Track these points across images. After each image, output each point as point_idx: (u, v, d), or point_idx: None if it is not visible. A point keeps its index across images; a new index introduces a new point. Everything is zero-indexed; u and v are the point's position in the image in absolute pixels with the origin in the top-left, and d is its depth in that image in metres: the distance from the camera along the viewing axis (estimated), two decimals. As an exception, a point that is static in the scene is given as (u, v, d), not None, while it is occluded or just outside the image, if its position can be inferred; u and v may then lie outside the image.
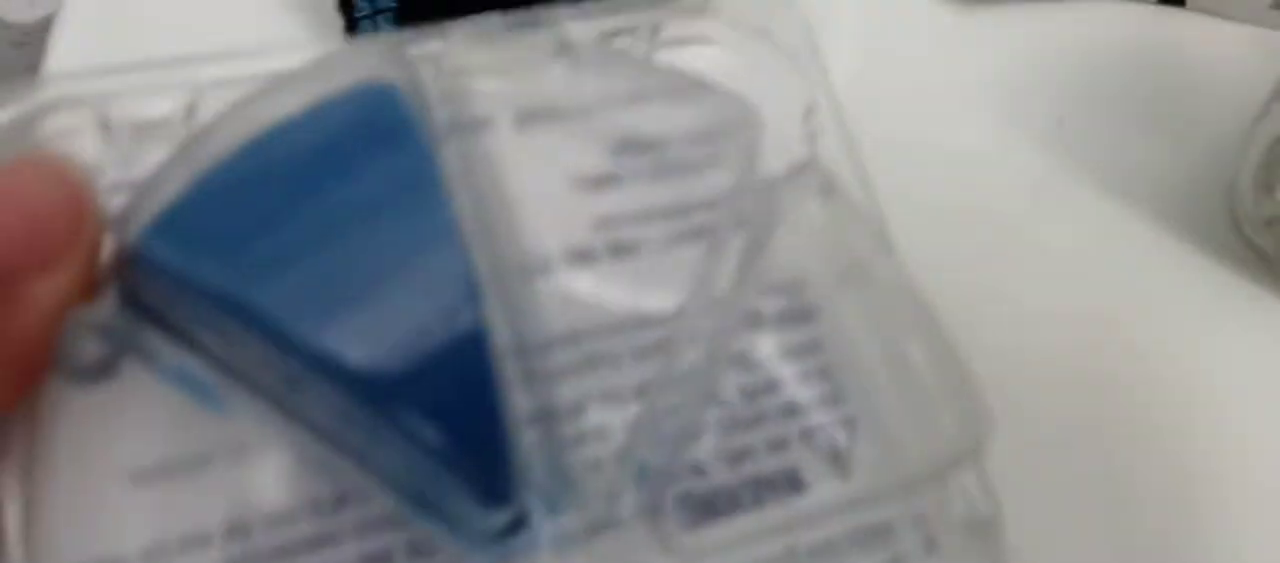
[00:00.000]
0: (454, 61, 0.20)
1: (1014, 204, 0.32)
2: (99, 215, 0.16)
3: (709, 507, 0.18)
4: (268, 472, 0.17)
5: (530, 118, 0.20)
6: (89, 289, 0.16)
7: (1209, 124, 0.33)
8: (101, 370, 0.16)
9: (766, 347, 0.20)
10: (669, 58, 0.21)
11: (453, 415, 0.16)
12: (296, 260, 0.16)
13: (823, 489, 0.19)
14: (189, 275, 0.16)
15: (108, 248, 0.17)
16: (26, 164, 0.16)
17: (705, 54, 0.22)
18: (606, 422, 0.18)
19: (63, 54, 0.33)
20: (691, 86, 0.21)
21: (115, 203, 0.17)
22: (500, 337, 0.18)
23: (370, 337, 0.16)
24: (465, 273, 0.17)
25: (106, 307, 0.16)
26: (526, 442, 0.17)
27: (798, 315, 0.20)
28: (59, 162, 0.16)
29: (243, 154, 0.17)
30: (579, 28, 0.20)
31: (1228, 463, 0.27)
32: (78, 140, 0.18)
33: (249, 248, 0.16)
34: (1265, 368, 0.29)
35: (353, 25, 0.32)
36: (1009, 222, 0.31)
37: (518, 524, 0.17)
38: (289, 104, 0.18)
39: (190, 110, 0.19)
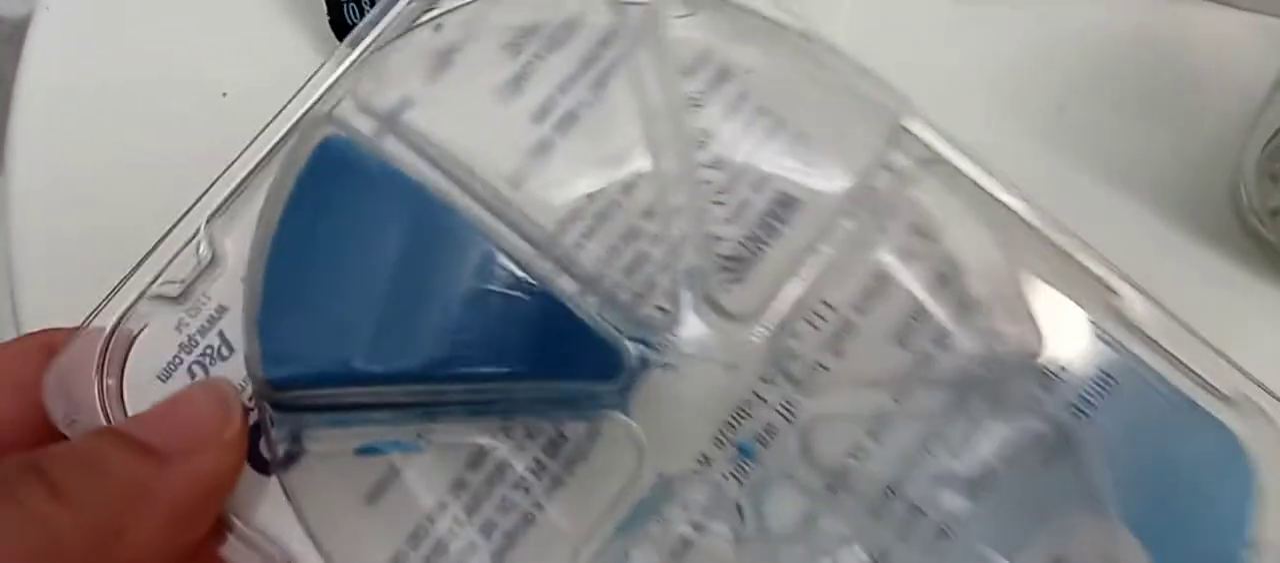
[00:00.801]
0: (360, 83, 0.23)
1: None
2: (242, 413, 0.21)
3: (740, 261, 0.23)
4: (447, 438, 0.22)
5: (433, 71, 0.23)
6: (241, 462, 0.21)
7: (1212, 113, 0.32)
8: (298, 452, 0.21)
9: (711, 116, 0.24)
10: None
11: (551, 346, 0.20)
12: (366, 314, 0.21)
13: (812, 195, 0.23)
14: (310, 379, 0.20)
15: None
16: (191, 386, 0.21)
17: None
18: (635, 253, 0.23)
19: (40, 49, 0.34)
20: None
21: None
22: (522, 254, 0.22)
23: (462, 339, 0.20)
24: (483, 246, 0.21)
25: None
26: (593, 307, 0.22)
27: (720, 79, 0.24)
28: (215, 382, 0.21)
29: (275, 267, 0.21)
30: None
31: None
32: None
33: (332, 329, 0.21)
34: (1270, 360, 0.28)
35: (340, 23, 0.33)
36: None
37: (630, 372, 0.22)
38: (279, 198, 0.21)
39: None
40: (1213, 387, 0.23)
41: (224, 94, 0.32)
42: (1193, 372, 0.24)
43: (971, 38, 0.34)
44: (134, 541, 0.19)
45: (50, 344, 0.22)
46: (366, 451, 0.21)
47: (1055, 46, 0.34)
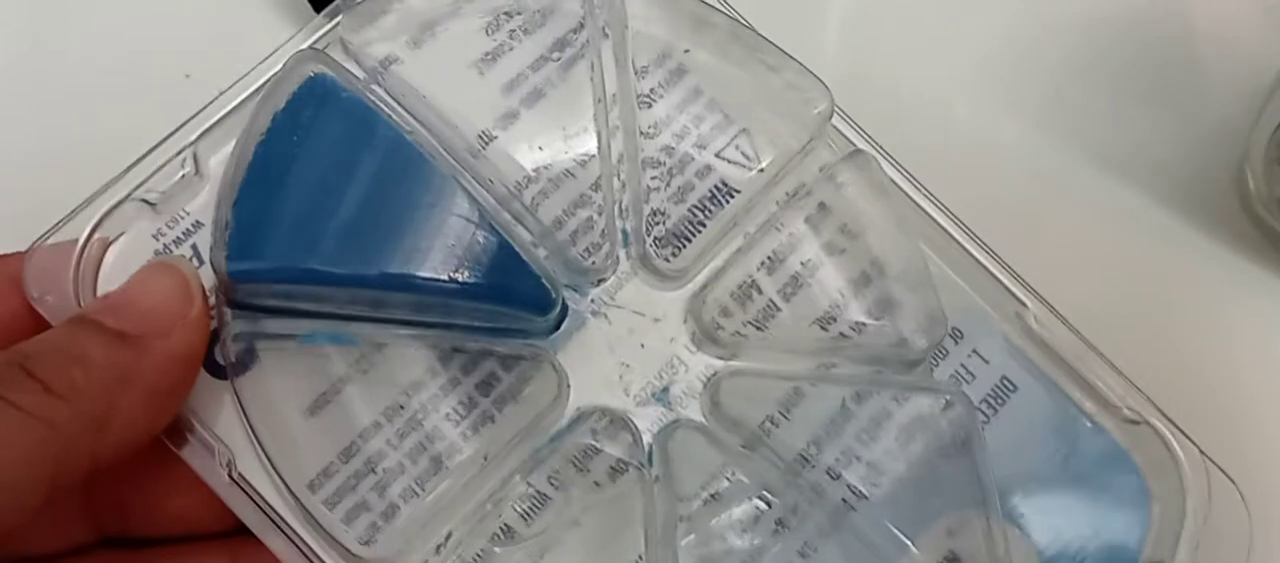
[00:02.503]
0: (350, 33, 0.25)
1: (1013, 182, 0.30)
2: (201, 292, 0.22)
3: (679, 237, 0.25)
4: (392, 364, 0.23)
5: (418, 37, 0.26)
6: (206, 335, 0.22)
7: (1216, 97, 0.31)
8: (249, 359, 0.23)
9: (662, 110, 0.26)
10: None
11: (495, 274, 0.22)
12: (330, 224, 0.22)
13: (748, 184, 0.25)
14: (269, 273, 0.22)
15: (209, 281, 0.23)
16: (150, 267, 0.23)
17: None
18: (582, 217, 0.25)
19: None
20: None
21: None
22: (486, 201, 0.24)
23: (417, 252, 0.22)
24: (446, 183, 0.23)
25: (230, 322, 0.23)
26: (540, 255, 0.24)
27: (673, 76, 0.26)
28: (172, 260, 0.23)
29: (252, 176, 0.23)
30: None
31: (1240, 444, 0.26)
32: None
33: (297, 234, 0.22)
34: (1274, 345, 0.29)
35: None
36: (1007, 200, 0.29)
37: (563, 310, 0.24)
38: (263, 120, 0.23)
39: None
40: (1113, 406, 0.25)
41: (187, 75, 0.30)
42: (1094, 389, 0.25)
43: (966, 19, 0.33)
44: (121, 421, 0.20)
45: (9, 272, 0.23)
46: (307, 339, 0.23)
47: (1052, 28, 0.32)
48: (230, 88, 0.24)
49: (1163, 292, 0.29)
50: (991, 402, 0.25)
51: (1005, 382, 0.26)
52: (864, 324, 0.25)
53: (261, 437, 0.23)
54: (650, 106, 0.26)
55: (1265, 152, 0.29)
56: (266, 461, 0.23)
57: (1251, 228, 0.30)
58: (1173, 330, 0.29)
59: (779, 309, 0.25)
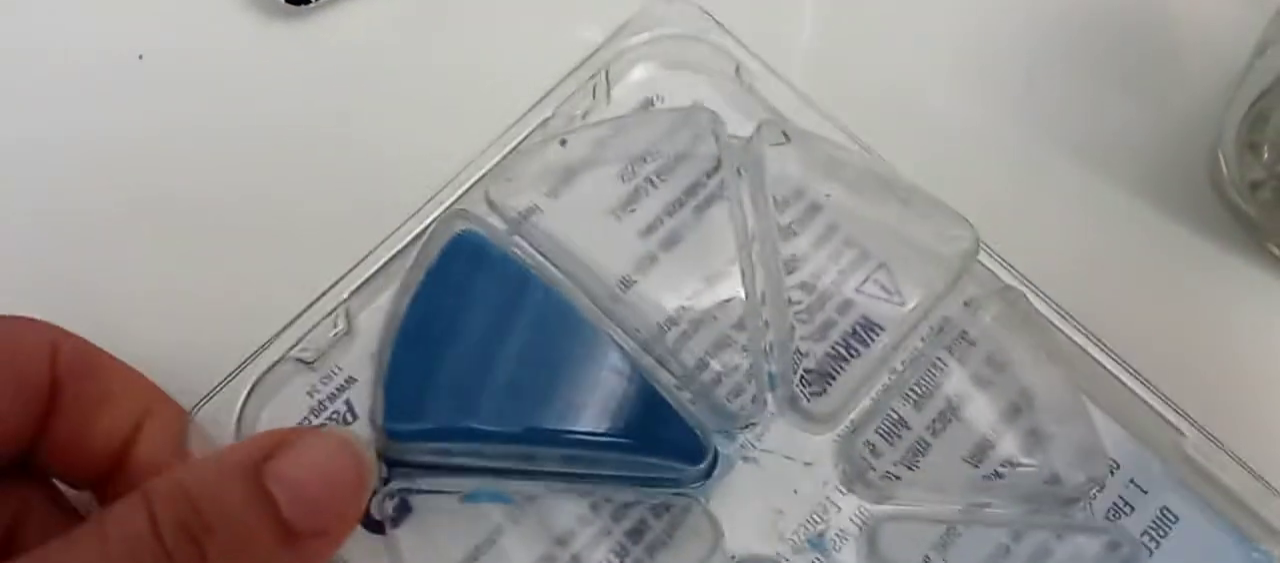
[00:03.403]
0: (494, 188, 0.26)
1: (987, 170, 0.30)
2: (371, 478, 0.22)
3: (824, 376, 0.25)
4: (543, 513, 0.23)
5: (556, 187, 0.26)
6: None
7: (1188, 83, 0.31)
8: (403, 513, 0.23)
9: (802, 244, 0.26)
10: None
11: (648, 426, 0.22)
12: (485, 381, 0.23)
13: (891, 320, 0.25)
14: (430, 433, 0.22)
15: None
16: (333, 445, 0.21)
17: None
18: (725, 360, 0.25)
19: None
20: (643, 109, 0.28)
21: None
22: (629, 346, 0.24)
23: (572, 407, 0.22)
24: (596, 335, 0.23)
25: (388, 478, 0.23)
26: (686, 401, 0.24)
27: (809, 213, 0.26)
28: (354, 445, 0.21)
29: (405, 334, 0.23)
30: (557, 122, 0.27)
31: (1214, 428, 0.25)
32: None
33: (454, 392, 0.23)
34: (1248, 333, 0.28)
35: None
36: (983, 188, 0.28)
37: (715, 459, 0.24)
38: (414, 278, 0.24)
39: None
40: (1272, 527, 0.24)
41: (140, 56, 0.29)
42: (1257, 515, 0.24)
43: (939, 7, 0.32)
44: None
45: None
46: (470, 499, 0.23)
47: (1026, 14, 0.32)
48: (379, 247, 0.25)
49: (1135, 275, 0.29)
50: (1153, 534, 0.25)
51: (1165, 513, 0.25)
52: (1017, 460, 0.24)
53: (417, 591, 0.23)
54: (788, 241, 0.26)
55: (1237, 136, 0.28)
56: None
57: (1225, 212, 0.29)
58: (1146, 313, 0.28)
59: (929, 445, 0.24)
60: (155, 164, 0.28)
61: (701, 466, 0.23)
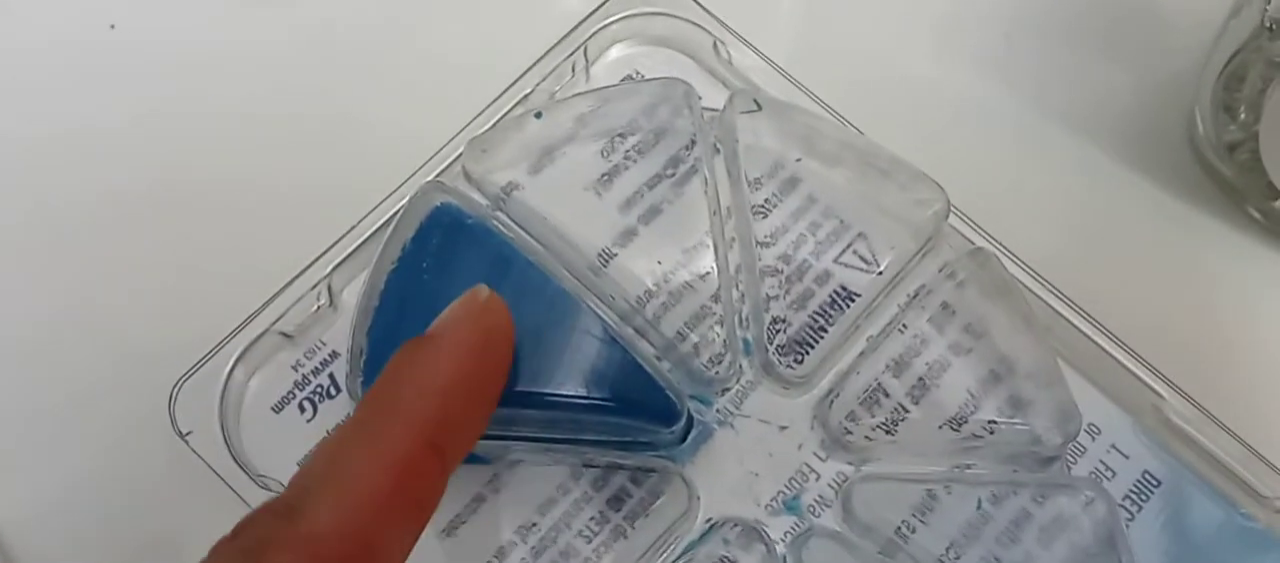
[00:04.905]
0: (472, 163, 0.26)
1: (967, 134, 0.30)
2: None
3: (801, 343, 0.25)
4: (524, 482, 0.24)
5: (537, 163, 0.27)
6: None
7: (1166, 44, 0.31)
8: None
9: (778, 219, 0.26)
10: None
11: (622, 388, 0.23)
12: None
13: (867, 287, 0.25)
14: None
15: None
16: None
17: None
18: (702, 329, 0.25)
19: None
20: (624, 83, 0.28)
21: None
22: (609, 317, 0.25)
23: (547, 370, 0.22)
24: (572, 302, 0.23)
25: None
26: (664, 368, 0.24)
27: (787, 186, 0.26)
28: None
29: (385, 304, 0.24)
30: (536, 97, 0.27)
31: (1193, 390, 0.25)
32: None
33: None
34: (1229, 297, 0.28)
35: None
36: (962, 152, 0.29)
37: (690, 422, 0.24)
38: (393, 250, 0.24)
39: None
40: (1262, 495, 0.24)
41: (112, 26, 0.30)
42: (1240, 478, 0.24)
43: None
44: None
45: None
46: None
47: None
48: (360, 222, 0.25)
49: (1115, 239, 0.29)
50: (1135, 498, 0.25)
51: (1147, 476, 0.25)
52: (996, 423, 0.24)
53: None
54: (765, 216, 0.26)
55: (1213, 97, 0.28)
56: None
57: (1202, 175, 0.29)
58: (1125, 277, 0.28)
59: (908, 412, 0.24)
60: (138, 142, 0.29)
61: (677, 427, 0.23)
